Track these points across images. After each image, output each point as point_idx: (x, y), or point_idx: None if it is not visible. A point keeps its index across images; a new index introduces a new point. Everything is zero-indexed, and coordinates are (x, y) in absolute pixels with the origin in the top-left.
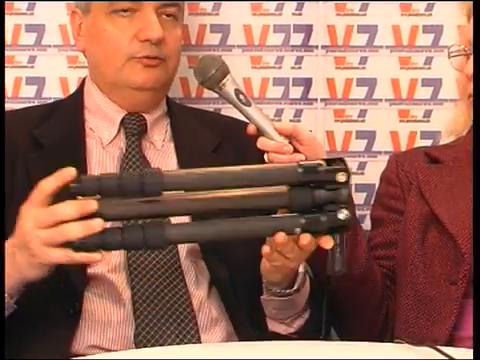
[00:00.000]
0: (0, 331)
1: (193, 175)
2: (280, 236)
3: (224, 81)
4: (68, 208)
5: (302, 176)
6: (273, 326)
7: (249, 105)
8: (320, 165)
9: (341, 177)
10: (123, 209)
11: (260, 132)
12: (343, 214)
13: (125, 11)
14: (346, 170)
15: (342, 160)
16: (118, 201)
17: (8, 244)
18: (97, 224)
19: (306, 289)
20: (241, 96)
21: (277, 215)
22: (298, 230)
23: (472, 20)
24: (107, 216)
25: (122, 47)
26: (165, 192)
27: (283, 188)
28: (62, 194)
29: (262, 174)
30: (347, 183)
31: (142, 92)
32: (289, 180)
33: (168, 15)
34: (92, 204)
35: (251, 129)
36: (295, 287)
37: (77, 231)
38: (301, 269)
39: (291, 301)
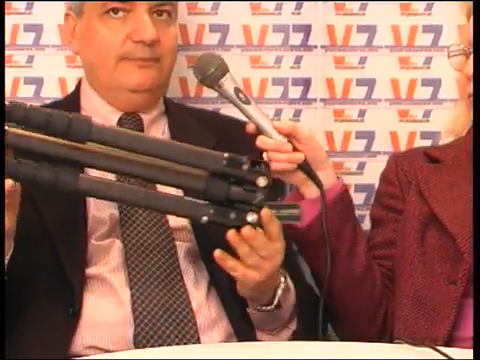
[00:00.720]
0: (0, 331)
1: (121, 133)
2: (246, 229)
3: (223, 79)
4: None
5: (225, 167)
6: (261, 336)
7: (248, 103)
8: (244, 163)
9: (261, 181)
10: (40, 144)
11: (259, 131)
12: (252, 217)
13: (117, 12)
14: (268, 176)
15: (267, 165)
16: (40, 136)
17: None
18: None
19: (289, 303)
20: (240, 94)
21: (189, 198)
22: (205, 219)
23: (472, 20)
24: (22, 149)
25: (115, 48)
26: (90, 143)
27: (203, 173)
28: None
29: (187, 153)
30: (265, 188)
31: (137, 94)
32: (212, 167)
33: (161, 15)
34: None
35: (250, 128)
36: (275, 303)
37: None
38: (281, 285)
39: (273, 315)
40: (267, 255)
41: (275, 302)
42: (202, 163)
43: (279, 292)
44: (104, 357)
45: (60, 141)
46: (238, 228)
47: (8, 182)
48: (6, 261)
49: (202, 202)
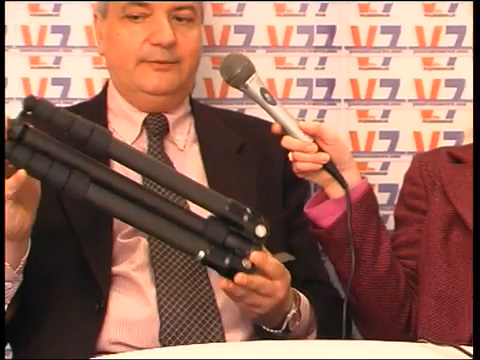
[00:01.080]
0: (0, 331)
1: (137, 155)
2: (238, 277)
3: (250, 80)
4: None
5: (226, 212)
6: None
7: (274, 104)
8: (246, 213)
9: (260, 231)
10: (53, 148)
11: (285, 131)
12: (246, 263)
13: (137, 17)
14: (267, 227)
15: (266, 218)
16: (58, 141)
17: None
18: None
19: (301, 326)
20: (266, 95)
21: (188, 233)
22: (201, 255)
23: (472, 20)
24: (37, 148)
25: (133, 50)
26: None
27: (201, 217)
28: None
29: (194, 189)
30: (263, 239)
31: (156, 96)
32: (215, 208)
33: (181, 19)
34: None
35: (276, 128)
36: (282, 328)
37: None
38: (291, 311)
39: (284, 336)
40: (267, 293)
41: (283, 328)
42: (206, 202)
43: (289, 317)
44: (126, 357)
45: (76, 151)
46: (231, 274)
47: (21, 172)
48: (23, 261)
49: (201, 239)
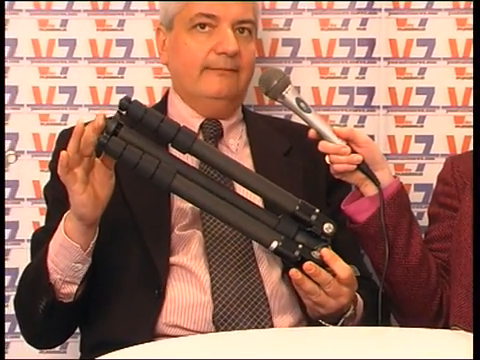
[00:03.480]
0: (0, 331)
1: (217, 154)
2: (307, 264)
3: (286, 91)
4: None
5: (297, 210)
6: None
7: (309, 112)
8: (314, 212)
9: (327, 228)
10: (143, 143)
11: (320, 136)
12: (315, 254)
13: (204, 27)
14: (335, 225)
15: (331, 222)
16: (147, 139)
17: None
18: (100, 118)
19: (353, 323)
20: (302, 104)
21: (263, 225)
22: (275, 245)
23: (472, 20)
24: (129, 142)
25: (200, 59)
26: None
27: (274, 214)
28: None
29: (269, 188)
30: (330, 236)
31: (217, 101)
32: (286, 206)
33: (243, 32)
34: (100, 119)
35: (312, 133)
36: (338, 325)
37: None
38: (349, 312)
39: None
40: (332, 293)
41: (339, 323)
42: (278, 201)
43: (346, 316)
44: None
45: (162, 147)
46: (300, 265)
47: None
48: (92, 245)
49: (275, 232)
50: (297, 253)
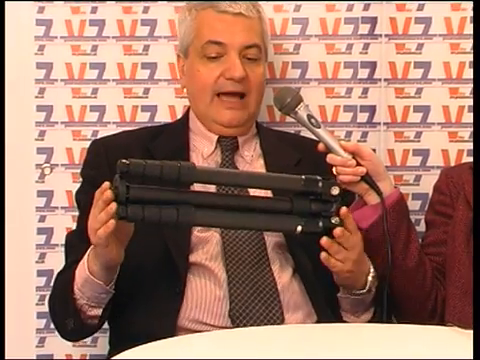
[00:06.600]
0: (0, 330)
1: (219, 172)
2: (338, 230)
3: (298, 107)
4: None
5: (303, 186)
6: (346, 317)
7: (319, 127)
8: (319, 180)
9: (334, 190)
10: (155, 194)
11: (328, 149)
12: (335, 219)
13: (214, 58)
14: (339, 185)
15: (335, 177)
16: (155, 188)
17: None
18: (107, 193)
19: (374, 290)
20: (312, 120)
21: (280, 216)
22: (300, 228)
23: (472, 20)
24: (142, 199)
25: (211, 84)
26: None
27: (286, 198)
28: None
29: (272, 179)
30: (338, 196)
31: (228, 128)
32: (293, 187)
33: (250, 58)
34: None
35: (321, 147)
36: (366, 288)
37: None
38: (371, 272)
39: (362, 299)
40: (350, 246)
41: (367, 287)
42: (285, 186)
43: (370, 279)
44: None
45: (171, 188)
46: (327, 233)
47: (111, 222)
48: (114, 279)
49: (293, 217)
50: (321, 225)
